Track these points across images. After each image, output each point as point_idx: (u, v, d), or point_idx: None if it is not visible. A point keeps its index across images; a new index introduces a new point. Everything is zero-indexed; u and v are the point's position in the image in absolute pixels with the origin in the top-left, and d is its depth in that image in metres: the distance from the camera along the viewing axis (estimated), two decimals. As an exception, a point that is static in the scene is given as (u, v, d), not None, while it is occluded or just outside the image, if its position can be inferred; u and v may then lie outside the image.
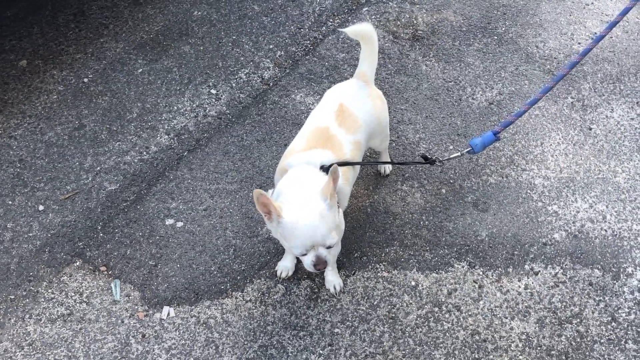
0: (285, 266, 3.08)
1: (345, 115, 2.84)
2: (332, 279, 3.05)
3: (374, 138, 3.10)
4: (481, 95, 3.88)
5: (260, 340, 2.89)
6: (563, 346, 2.90)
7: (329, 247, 2.47)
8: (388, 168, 3.48)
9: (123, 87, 3.89)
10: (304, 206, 2.42)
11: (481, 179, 3.48)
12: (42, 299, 3.02)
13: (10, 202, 3.34)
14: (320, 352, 2.88)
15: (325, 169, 2.63)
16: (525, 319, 2.99)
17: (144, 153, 3.57)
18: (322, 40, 4.21)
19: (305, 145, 2.76)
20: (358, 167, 2.96)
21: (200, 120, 3.75)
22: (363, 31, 2.96)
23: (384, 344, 2.91)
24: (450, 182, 3.46)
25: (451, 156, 3.04)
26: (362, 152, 2.94)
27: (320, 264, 2.47)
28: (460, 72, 4.02)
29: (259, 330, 2.92)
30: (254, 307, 3.00)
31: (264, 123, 3.72)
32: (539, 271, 3.15)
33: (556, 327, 2.96)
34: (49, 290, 3.05)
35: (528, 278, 3.13)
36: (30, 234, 3.23)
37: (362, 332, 2.94)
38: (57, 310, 2.99)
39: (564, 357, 2.87)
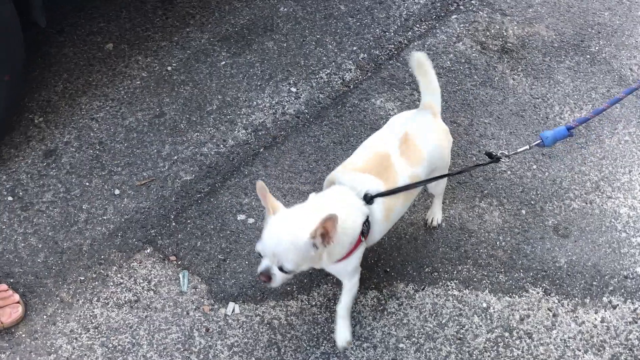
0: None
1: (409, 145, 2.64)
2: (342, 331, 2.76)
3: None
4: (569, 115, 3.74)
5: (323, 347, 2.84)
6: (638, 387, 2.77)
7: (283, 271, 2.30)
8: (437, 219, 3.24)
9: (205, 78, 3.89)
10: (291, 220, 2.31)
11: (564, 203, 3.34)
12: (111, 283, 3.04)
13: (87, 184, 3.38)
14: (384, 366, 2.82)
15: (367, 199, 2.48)
16: (599, 353, 2.86)
17: (221, 146, 3.57)
18: (407, 46, 4.13)
19: (362, 166, 2.60)
20: (405, 207, 2.76)
21: (278, 117, 3.72)
22: (419, 62, 2.77)
23: (450, 364, 2.83)
24: (532, 203, 3.34)
25: (518, 150, 2.77)
26: (417, 191, 2.75)
27: (264, 275, 2.32)
28: (549, 90, 3.88)
29: (322, 337, 2.88)
30: (318, 312, 2.95)
31: (342, 125, 3.67)
32: (618, 305, 3.01)
33: (632, 366, 2.83)
34: (119, 275, 3.07)
35: (605, 311, 2.99)
36: (105, 217, 3.26)
37: (427, 350, 2.87)
38: (125, 296, 3.00)
39: (638, 399, 2.74)
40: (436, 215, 3.22)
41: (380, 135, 2.79)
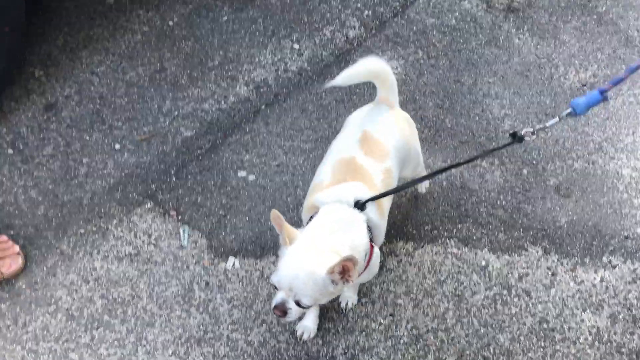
0: (307, 327, 2.80)
1: (371, 143, 2.53)
2: (349, 294, 2.84)
3: (406, 167, 2.75)
4: (574, 75, 3.70)
5: (322, 302, 2.86)
6: (635, 345, 2.78)
7: (300, 306, 2.18)
8: (425, 186, 3.21)
9: (207, 33, 3.84)
10: (307, 255, 2.17)
11: (566, 163, 3.32)
12: (111, 237, 3.05)
13: (87, 138, 3.36)
14: (382, 321, 2.84)
15: (359, 205, 2.35)
16: (597, 312, 2.87)
17: (222, 102, 3.54)
18: (412, 3, 4.07)
19: (332, 179, 2.47)
20: (390, 198, 2.64)
21: (280, 74, 3.69)
22: (367, 71, 2.62)
23: (447, 321, 2.84)
24: (533, 163, 3.32)
25: (548, 124, 2.44)
26: (395, 180, 2.60)
27: (279, 310, 2.19)
28: (554, 50, 3.83)
29: (321, 292, 2.89)
30: (318, 269, 2.96)
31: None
32: (617, 265, 3.01)
33: (629, 325, 2.84)
34: (119, 229, 3.08)
35: (605, 271, 2.99)
36: (105, 171, 3.26)
37: (425, 306, 2.88)
38: (125, 249, 3.01)
39: (634, 357, 2.75)
40: (425, 183, 3.19)
41: (338, 142, 2.66)
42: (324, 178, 2.52)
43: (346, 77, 2.59)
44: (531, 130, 2.42)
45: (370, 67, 2.62)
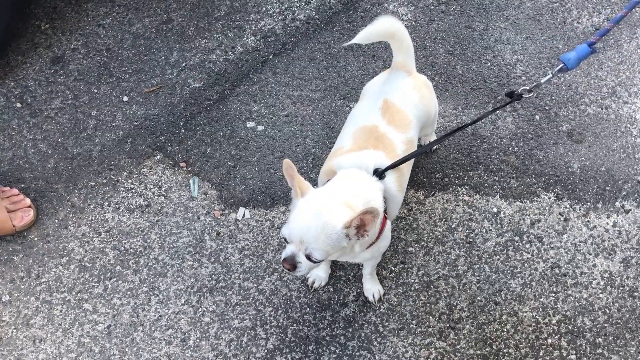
0: (318, 275, 2.82)
1: (393, 112, 2.47)
2: (370, 286, 2.80)
3: (424, 130, 2.76)
4: (587, 19, 3.62)
5: (333, 251, 2.86)
6: (648, 290, 2.77)
7: (310, 260, 2.11)
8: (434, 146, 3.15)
9: (213, -17, 3.79)
10: (321, 207, 2.08)
11: (579, 108, 3.27)
12: (122, 189, 3.05)
13: (95, 91, 3.35)
14: (392, 268, 2.84)
15: (378, 173, 2.30)
16: (610, 257, 2.86)
17: (230, 53, 3.50)
18: (421, -51, 3.98)
19: (354, 145, 2.41)
20: (409, 171, 2.59)
21: (288, 23, 3.63)
22: (383, 31, 2.52)
23: (459, 267, 2.84)
24: (546, 108, 3.27)
25: (541, 81, 2.54)
26: (414, 150, 2.55)
27: (288, 263, 2.12)
28: (568, -7, 3.75)
29: (332, 241, 2.88)
30: (329, 218, 2.95)
31: (354, 31, 3.58)
32: (630, 209, 2.98)
33: (642, 270, 2.83)
34: (129, 181, 3.08)
35: (618, 216, 2.97)
36: (114, 124, 3.24)
37: (436, 253, 2.88)
38: (136, 201, 3.02)
39: (647, 301, 2.74)
40: (432, 137, 3.12)
41: (359, 110, 2.60)
42: (344, 144, 2.45)
43: (363, 36, 2.50)
44: (527, 88, 2.49)
45: (386, 26, 2.52)
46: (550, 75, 2.49)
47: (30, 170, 3.08)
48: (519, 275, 2.81)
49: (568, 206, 2.99)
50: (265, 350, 2.67)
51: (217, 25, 3.61)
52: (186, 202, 3.02)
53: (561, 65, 2.46)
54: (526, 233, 2.92)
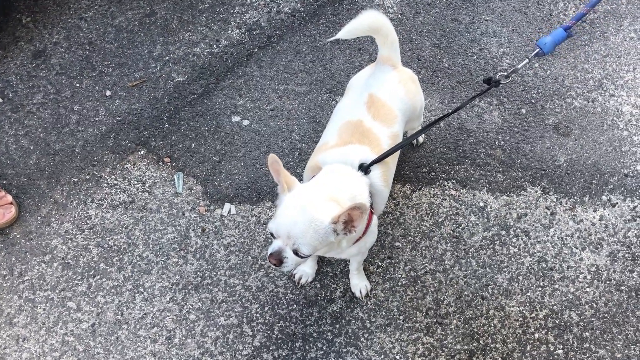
0: (305, 271, 2.80)
1: (378, 107, 2.46)
2: (357, 282, 2.77)
3: (410, 124, 2.75)
4: (574, 11, 3.61)
5: (319, 247, 2.84)
6: (634, 282, 2.77)
7: (298, 255, 2.09)
8: (421, 138, 3.15)
9: (197, -25, 3.75)
10: (308, 203, 2.06)
11: (565, 102, 3.27)
12: (105, 185, 3.02)
13: (77, 85, 3.30)
14: (379, 263, 2.83)
15: (364, 168, 2.28)
16: (596, 251, 2.86)
17: (214, 46, 3.46)
18: (407, -60, 3.95)
19: (339, 141, 2.39)
20: (394, 165, 2.57)
21: (273, 16, 3.60)
22: (368, 26, 2.47)
23: (446, 262, 2.83)
24: (532, 102, 3.26)
25: (518, 66, 2.58)
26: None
27: (274, 258, 2.09)
28: (554, -15, 3.74)
29: (318, 236, 2.86)
30: (315, 213, 2.93)
31: (339, 24, 3.55)
32: (617, 203, 2.98)
33: (629, 263, 2.82)
34: (112, 177, 3.04)
35: (604, 209, 2.97)
36: (96, 119, 3.20)
37: (423, 248, 2.86)
38: (119, 197, 2.98)
39: (634, 294, 2.74)
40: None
41: (344, 105, 2.57)
42: (329, 139, 2.43)
43: (347, 31, 2.48)
44: (504, 74, 2.54)
45: (370, 20, 2.49)
46: (527, 60, 2.55)
47: (12, 166, 3.04)
48: (505, 269, 2.81)
49: (554, 200, 2.98)
50: (252, 348, 2.65)
51: (201, 18, 3.57)
52: (171, 198, 2.99)
53: (538, 50, 2.52)
54: (513, 227, 2.91)
